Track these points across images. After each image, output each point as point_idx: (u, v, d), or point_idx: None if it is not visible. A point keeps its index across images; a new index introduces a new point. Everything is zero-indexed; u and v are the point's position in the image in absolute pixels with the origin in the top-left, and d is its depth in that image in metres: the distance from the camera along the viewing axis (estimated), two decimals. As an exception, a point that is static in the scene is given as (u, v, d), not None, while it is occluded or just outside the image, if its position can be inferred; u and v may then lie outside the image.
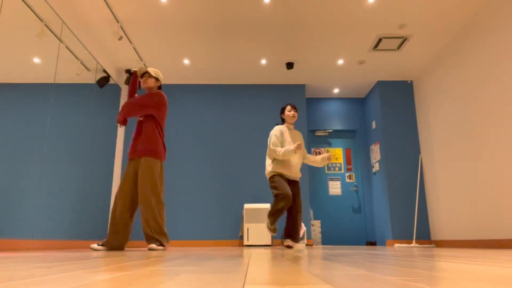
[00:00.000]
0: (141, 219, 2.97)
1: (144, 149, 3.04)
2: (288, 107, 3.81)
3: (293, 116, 3.77)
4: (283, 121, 3.87)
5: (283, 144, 3.67)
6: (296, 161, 3.72)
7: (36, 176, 3.50)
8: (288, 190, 3.51)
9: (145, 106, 3.09)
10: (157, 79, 3.27)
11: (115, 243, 2.97)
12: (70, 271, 0.89)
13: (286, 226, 3.63)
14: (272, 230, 3.61)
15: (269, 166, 3.73)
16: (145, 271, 0.89)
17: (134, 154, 3.10)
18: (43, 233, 3.62)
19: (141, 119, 3.17)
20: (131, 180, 3.06)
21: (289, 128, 3.80)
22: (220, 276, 0.77)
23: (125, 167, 5.60)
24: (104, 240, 2.99)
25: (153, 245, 2.89)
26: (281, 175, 3.65)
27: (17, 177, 3.24)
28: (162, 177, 3.11)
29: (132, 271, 0.91)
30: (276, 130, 3.72)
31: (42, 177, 3.60)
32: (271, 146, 3.65)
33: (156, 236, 2.92)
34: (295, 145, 3.48)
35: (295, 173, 3.69)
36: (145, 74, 3.25)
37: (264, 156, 5.74)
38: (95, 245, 2.96)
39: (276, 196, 3.53)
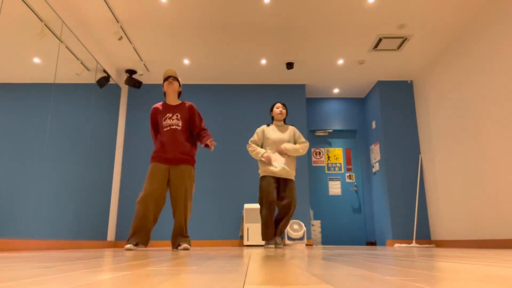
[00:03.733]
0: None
1: (187, 159, 3.18)
2: (277, 104, 3.87)
3: (280, 113, 3.81)
4: (272, 120, 3.92)
5: (264, 142, 3.78)
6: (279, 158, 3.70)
7: (36, 176, 3.50)
8: (271, 195, 3.57)
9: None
10: (179, 84, 3.33)
11: (141, 238, 2.99)
12: (70, 271, 0.89)
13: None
14: (270, 237, 3.58)
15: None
16: (145, 271, 0.89)
17: (172, 161, 3.14)
18: (43, 233, 3.62)
19: (179, 128, 3.18)
20: (164, 184, 3.10)
21: (277, 126, 3.83)
22: (220, 276, 0.77)
23: (125, 167, 5.59)
24: (132, 238, 2.96)
25: (187, 245, 3.03)
26: (269, 176, 3.68)
27: (17, 177, 3.24)
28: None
29: (132, 271, 0.91)
30: (259, 129, 3.84)
31: (42, 177, 3.60)
32: (249, 141, 3.80)
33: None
34: (266, 155, 3.60)
35: (284, 171, 3.67)
36: (170, 77, 3.25)
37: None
38: (129, 245, 2.90)
39: (259, 202, 3.66)
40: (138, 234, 2.96)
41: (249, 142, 3.79)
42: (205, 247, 4.49)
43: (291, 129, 3.83)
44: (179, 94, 3.35)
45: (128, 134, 5.76)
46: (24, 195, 3.33)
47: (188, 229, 3.21)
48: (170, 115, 3.19)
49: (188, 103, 3.30)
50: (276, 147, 3.69)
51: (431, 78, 5.32)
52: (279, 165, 3.49)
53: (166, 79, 3.26)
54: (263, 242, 4.99)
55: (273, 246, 3.58)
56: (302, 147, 3.69)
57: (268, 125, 3.87)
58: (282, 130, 3.80)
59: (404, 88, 5.92)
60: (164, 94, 3.31)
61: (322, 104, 6.59)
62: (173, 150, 3.12)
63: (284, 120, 3.92)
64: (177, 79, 3.28)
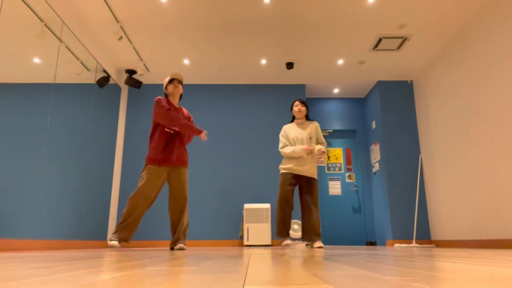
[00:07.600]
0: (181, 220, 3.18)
1: (184, 160, 3.28)
2: (296, 103, 3.90)
3: (299, 110, 3.84)
4: (293, 118, 3.94)
5: (290, 142, 3.77)
6: (307, 156, 3.71)
7: (36, 176, 3.50)
8: (286, 193, 3.59)
9: None
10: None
11: (128, 235, 3.09)
12: (70, 271, 0.89)
13: (302, 228, 3.68)
14: (282, 235, 3.61)
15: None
16: (145, 271, 0.89)
17: (170, 162, 3.18)
18: (43, 233, 3.62)
19: (172, 132, 3.25)
20: (159, 184, 3.15)
21: (298, 124, 3.86)
22: (220, 276, 0.77)
23: (125, 167, 5.60)
24: (116, 234, 3.06)
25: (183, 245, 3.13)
26: (288, 173, 3.70)
27: (17, 177, 3.24)
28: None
29: (132, 271, 0.91)
30: (282, 130, 3.87)
31: (42, 177, 3.60)
32: (280, 149, 3.82)
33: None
34: (306, 147, 3.60)
35: (308, 169, 3.68)
36: (175, 80, 3.28)
37: (266, 156, 5.75)
38: (114, 242, 2.99)
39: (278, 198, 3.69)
40: (126, 229, 3.04)
41: (282, 147, 3.78)
42: (205, 247, 4.49)
43: (312, 125, 3.83)
44: (180, 97, 3.43)
45: (128, 134, 5.76)
46: (24, 195, 3.33)
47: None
48: None
49: (185, 111, 3.41)
50: (295, 144, 3.73)
51: (431, 78, 5.32)
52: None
53: (171, 81, 3.28)
54: (263, 242, 4.99)
55: (288, 242, 3.60)
56: (323, 148, 3.74)
57: (289, 123, 3.95)
58: (302, 128, 3.81)
59: (404, 88, 5.92)
60: (166, 95, 3.34)
61: (322, 104, 6.59)
62: (175, 152, 3.20)
63: (307, 116, 3.92)
64: (182, 83, 3.35)
